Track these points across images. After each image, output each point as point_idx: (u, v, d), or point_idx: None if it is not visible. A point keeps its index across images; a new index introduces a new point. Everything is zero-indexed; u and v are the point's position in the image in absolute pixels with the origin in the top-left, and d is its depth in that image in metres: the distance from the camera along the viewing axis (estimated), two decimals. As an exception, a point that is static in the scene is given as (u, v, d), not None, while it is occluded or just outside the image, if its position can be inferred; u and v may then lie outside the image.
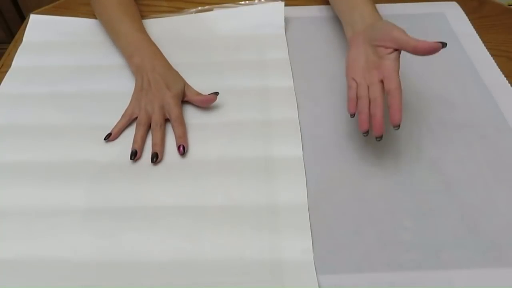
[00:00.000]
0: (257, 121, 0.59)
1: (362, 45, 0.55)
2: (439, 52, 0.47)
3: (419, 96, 0.62)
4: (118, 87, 0.64)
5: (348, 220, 0.49)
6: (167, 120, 0.59)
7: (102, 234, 0.48)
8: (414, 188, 0.52)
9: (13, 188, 0.52)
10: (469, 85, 0.64)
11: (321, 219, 0.49)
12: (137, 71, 0.61)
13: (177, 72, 0.62)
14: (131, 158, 0.54)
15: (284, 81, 0.64)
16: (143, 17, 0.73)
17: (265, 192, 0.51)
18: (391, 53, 0.51)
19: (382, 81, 0.51)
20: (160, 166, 0.54)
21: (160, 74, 0.60)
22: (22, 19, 1.49)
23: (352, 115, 0.52)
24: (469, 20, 0.75)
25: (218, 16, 0.75)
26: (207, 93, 0.60)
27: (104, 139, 0.57)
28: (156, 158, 0.54)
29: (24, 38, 0.72)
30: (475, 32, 0.73)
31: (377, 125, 0.49)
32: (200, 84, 0.62)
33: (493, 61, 0.68)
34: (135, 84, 0.61)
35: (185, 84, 0.61)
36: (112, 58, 0.68)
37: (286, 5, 0.74)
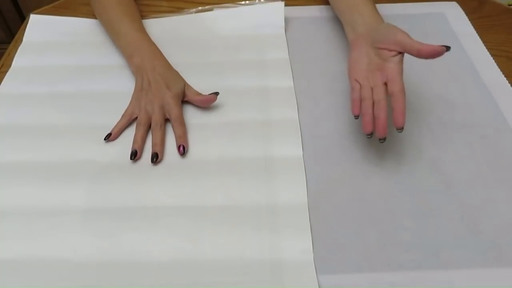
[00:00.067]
0: (257, 121, 0.59)
1: (365, 46, 0.55)
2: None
3: (419, 96, 0.62)
4: (118, 87, 0.64)
5: (348, 220, 0.49)
6: (167, 120, 0.59)
7: (102, 234, 0.48)
8: (414, 188, 0.52)
9: (13, 188, 0.52)
10: (469, 85, 0.64)
11: (321, 219, 0.49)
12: (137, 71, 0.61)
13: (177, 72, 0.62)
14: (131, 158, 0.54)
15: (284, 81, 0.64)
16: (143, 17, 0.73)
17: (265, 192, 0.51)
18: (394, 55, 0.51)
19: (385, 83, 0.51)
20: (160, 166, 0.54)
21: (160, 74, 0.60)
22: (22, 19, 1.48)
23: (356, 117, 0.52)
24: (469, 20, 0.75)
25: (218, 16, 0.75)
26: (207, 93, 0.60)
27: (104, 139, 0.57)
28: (156, 158, 0.54)
29: (24, 38, 0.72)
30: (475, 32, 0.73)
31: (381, 127, 0.49)
32: (200, 84, 0.62)
33: (493, 61, 0.68)
34: (135, 84, 0.61)
35: (185, 84, 0.61)
36: (112, 58, 0.68)
37: (286, 5, 0.74)
